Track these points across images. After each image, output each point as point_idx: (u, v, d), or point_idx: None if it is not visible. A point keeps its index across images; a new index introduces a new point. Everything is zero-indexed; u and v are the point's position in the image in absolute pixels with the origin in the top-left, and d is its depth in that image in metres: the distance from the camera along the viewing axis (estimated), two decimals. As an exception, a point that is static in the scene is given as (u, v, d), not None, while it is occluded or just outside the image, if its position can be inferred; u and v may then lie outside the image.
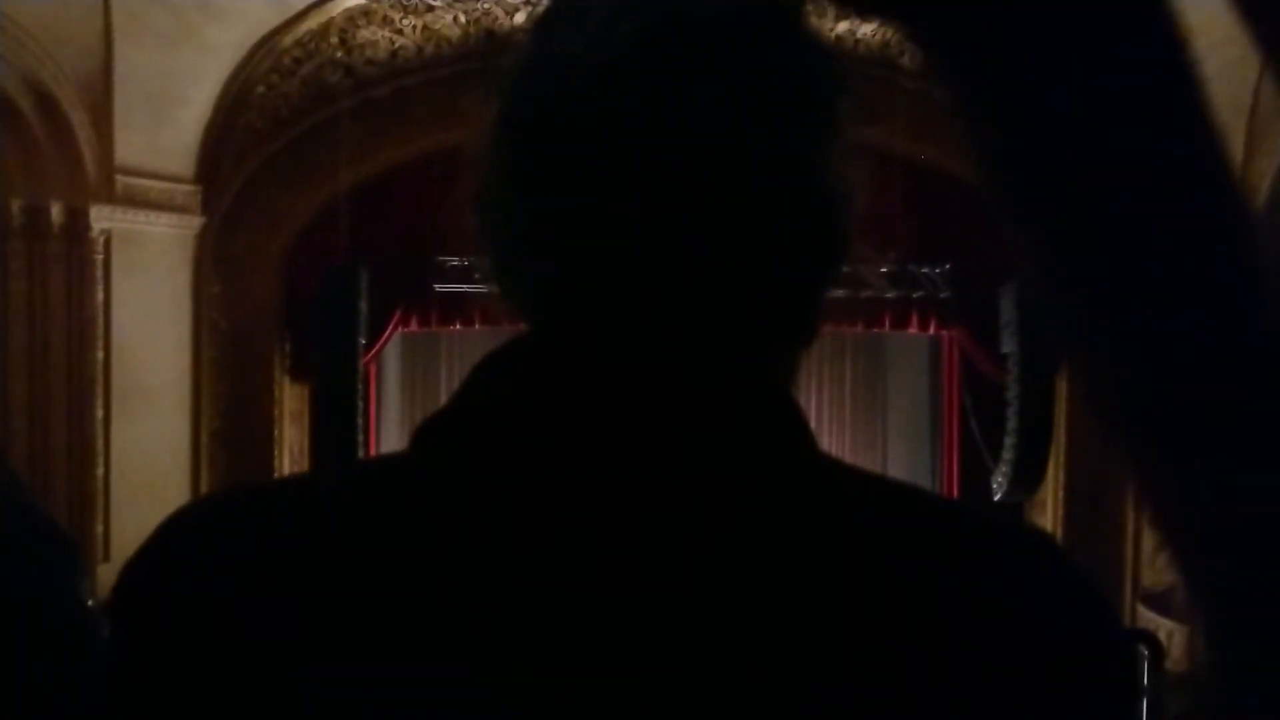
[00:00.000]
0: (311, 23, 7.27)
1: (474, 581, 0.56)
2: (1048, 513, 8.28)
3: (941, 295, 8.22)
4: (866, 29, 7.57)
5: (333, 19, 7.33)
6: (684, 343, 0.60)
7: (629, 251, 0.59)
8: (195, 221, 7.44)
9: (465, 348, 8.55)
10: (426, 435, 0.62)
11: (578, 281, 0.61)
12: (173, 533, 0.63)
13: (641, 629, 0.55)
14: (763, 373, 0.62)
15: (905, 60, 7.73)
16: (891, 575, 0.57)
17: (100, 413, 6.92)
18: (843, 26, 7.50)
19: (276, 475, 7.82)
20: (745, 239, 0.60)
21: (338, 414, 7.54)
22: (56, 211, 6.79)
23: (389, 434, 8.71)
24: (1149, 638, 4.37)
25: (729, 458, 0.58)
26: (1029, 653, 0.57)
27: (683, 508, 0.57)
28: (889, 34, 7.60)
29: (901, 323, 8.43)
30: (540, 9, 0.65)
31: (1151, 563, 7.53)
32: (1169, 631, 5.79)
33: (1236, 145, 7.07)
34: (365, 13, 7.38)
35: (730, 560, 0.56)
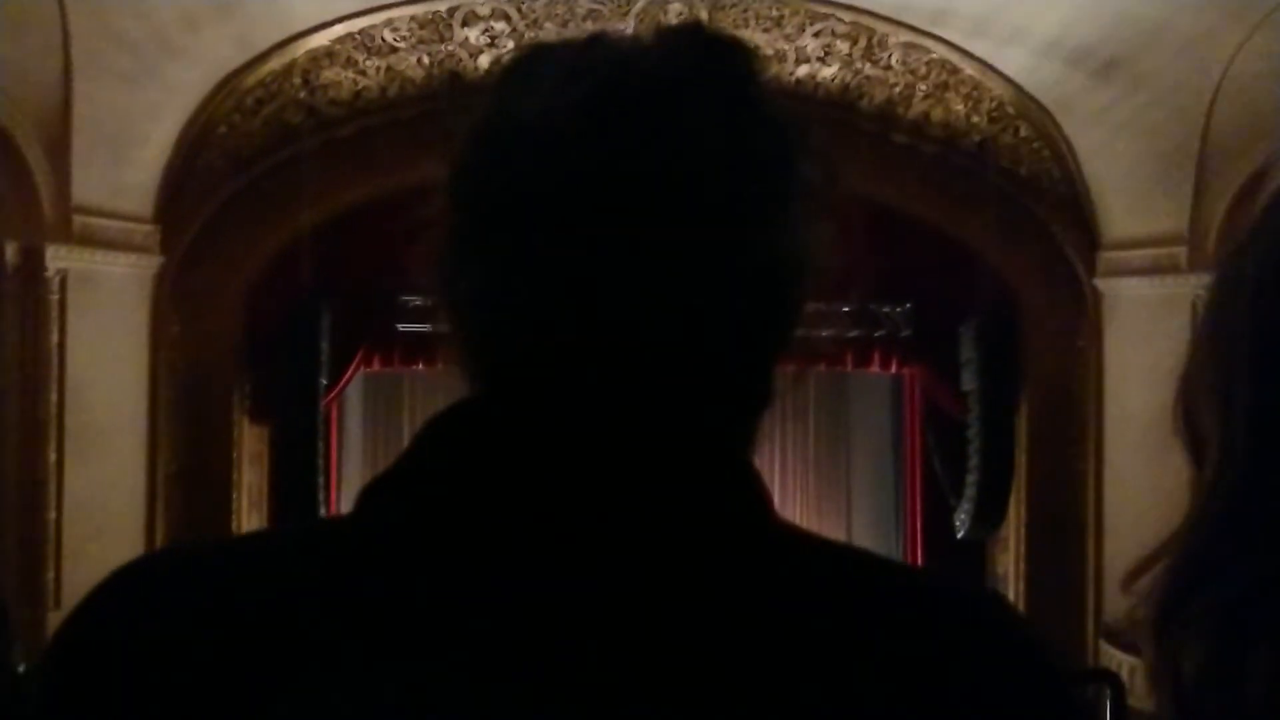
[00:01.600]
0: (274, 63, 7.27)
1: (410, 645, 0.55)
2: (1010, 550, 8.32)
3: (903, 334, 8.30)
4: (827, 72, 7.70)
5: (296, 60, 7.33)
6: (631, 409, 0.59)
7: (576, 317, 0.59)
8: (154, 261, 7.35)
9: (428, 387, 8.49)
10: (370, 497, 0.61)
11: (525, 346, 0.60)
12: (107, 596, 0.61)
13: (580, 698, 0.54)
14: (714, 439, 0.61)
15: (864, 104, 7.87)
16: (839, 644, 0.57)
17: (53, 455, 6.77)
18: (803, 70, 7.62)
19: (235, 518, 7.68)
20: (694, 304, 0.60)
21: (298, 455, 7.45)
22: (11, 251, 6.68)
23: (351, 475, 8.60)
24: (1110, 677, 4.38)
25: (676, 527, 0.57)
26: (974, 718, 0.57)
27: (626, 577, 0.56)
28: (848, 78, 7.73)
29: (863, 361, 8.49)
30: (497, 70, 0.65)
31: (1116, 596, 7.58)
32: (1131, 668, 5.82)
33: (1186, 190, 7.24)
34: (329, 54, 7.39)
35: (674, 629, 0.56)
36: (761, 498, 0.61)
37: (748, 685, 0.55)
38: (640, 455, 0.59)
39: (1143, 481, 6.77)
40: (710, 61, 0.62)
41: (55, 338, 6.80)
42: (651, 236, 0.59)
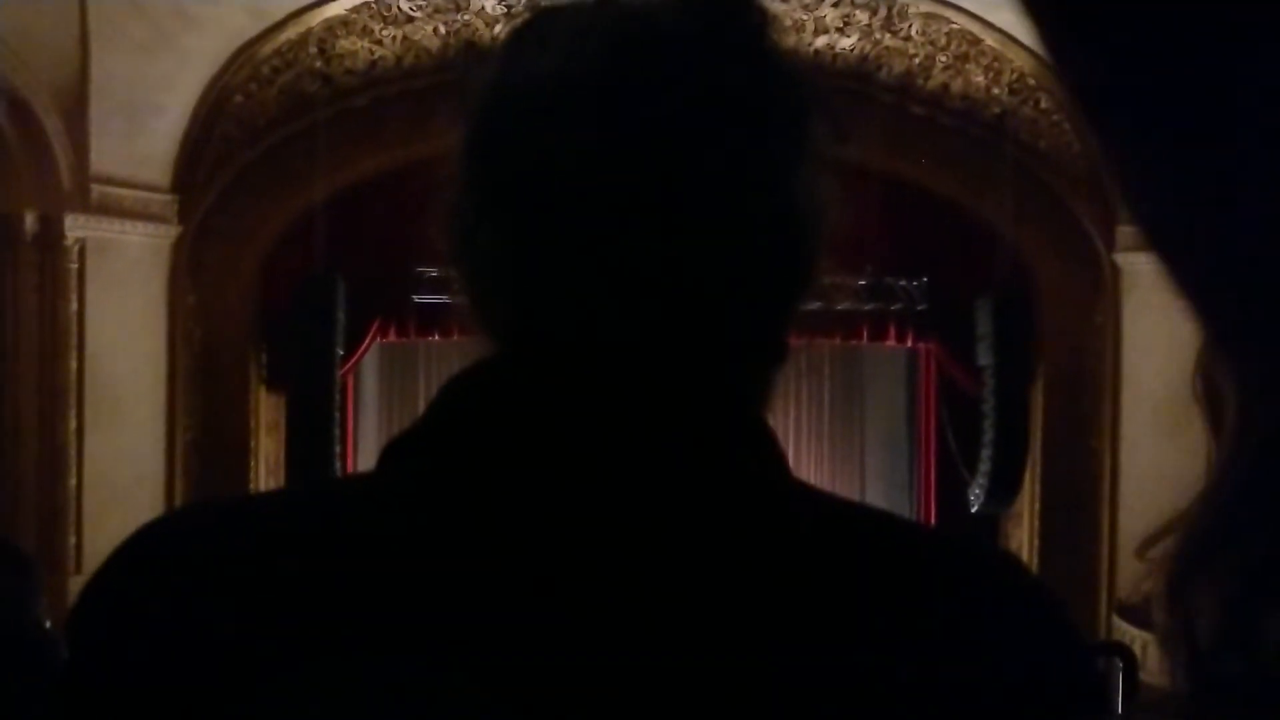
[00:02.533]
0: (290, 32, 7.25)
1: (435, 600, 0.56)
2: (1024, 524, 8.32)
3: (918, 308, 8.27)
4: (846, 43, 7.63)
5: (312, 29, 7.31)
6: (649, 365, 0.60)
7: (593, 273, 0.59)
8: (171, 231, 7.38)
9: (444, 358, 8.51)
10: (392, 454, 0.62)
11: (543, 303, 0.61)
12: (132, 552, 0.62)
13: (601, 654, 0.55)
14: (732, 394, 0.62)
15: (882, 74, 7.80)
16: (855, 604, 0.58)
17: (73, 423, 6.85)
18: (821, 41, 7.55)
19: (252, 486, 7.75)
20: (710, 260, 0.60)
21: (314, 425, 7.49)
22: (30, 220, 6.72)
23: (367, 445, 8.65)
24: (1123, 650, 4.39)
25: (696, 483, 0.58)
26: (991, 680, 0.57)
27: (648, 534, 0.57)
28: (867, 48, 7.66)
29: (878, 335, 8.47)
30: (507, 30, 0.65)
31: (1130, 571, 7.58)
32: (1144, 643, 5.83)
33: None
34: (344, 23, 7.36)
35: (694, 585, 0.56)
36: (778, 455, 0.62)
37: (765, 641, 0.56)
38: (658, 412, 0.59)
39: (1158, 458, 6.75)
40: (721, 17, 0.62)
41: (74, 306, 6.85)
42: (668, 192, 0.59)
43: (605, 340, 0.60)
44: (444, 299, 7.47)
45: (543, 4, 0.65)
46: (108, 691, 0.59)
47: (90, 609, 0.62)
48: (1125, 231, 7.81)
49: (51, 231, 6.77)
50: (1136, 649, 4.85)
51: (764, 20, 0.63)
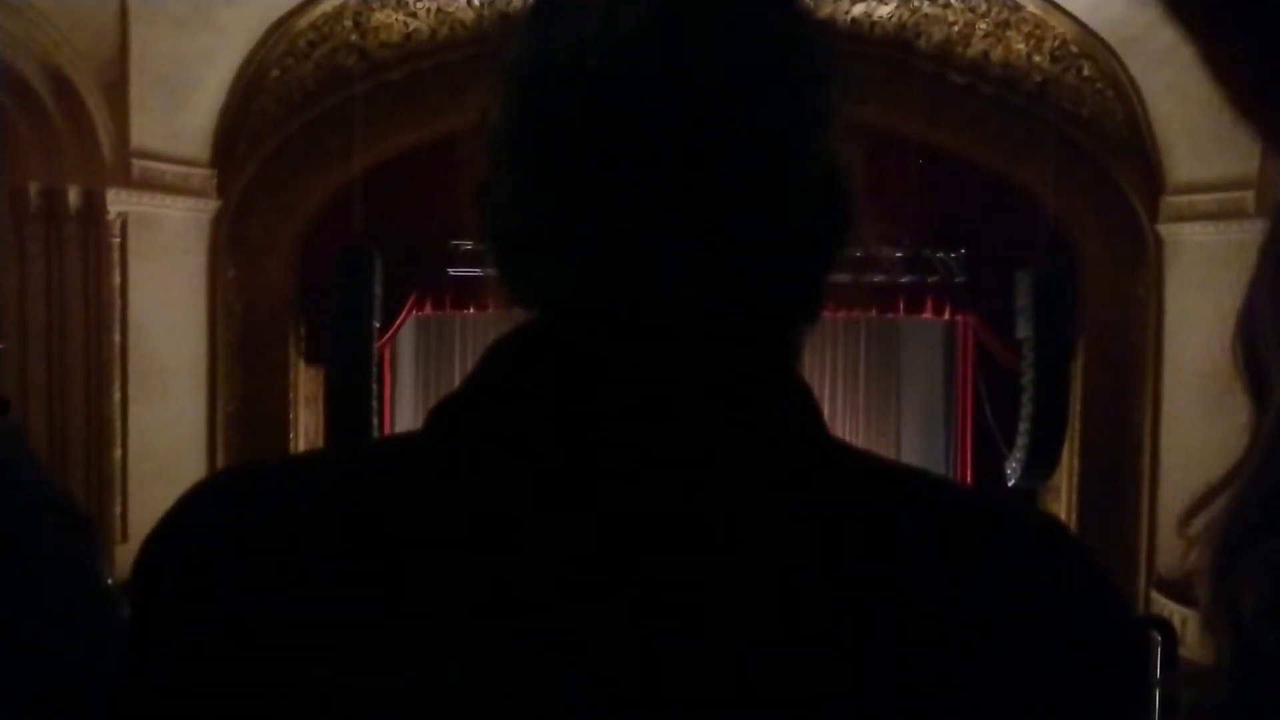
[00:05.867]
0: (326, 6, 7.27)
1: (485, 560, 0.57)
2: (1062, 498, 8.26)
3: (956, 280, 8.19)
4: (883, 10, 7.52)
5: (347, 2, 7.32)
6: (691, 324, 0.60)
7: (635, 234, 0.60)
8: (211, 205, 7.46)
9: (480, 331, 8.56)
10: (440, 416, 0.62)
11: (586, 266, 0.61)
12: (190, 509, 0.64)
13: (648, 610, 0.56)
14: (772, 352, 0.63)
15: (921, 43, 7.68)
16: (897, 561, 0.58)
17: (118, 395, 6.97)
18: (858, 9, 7.44)
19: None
20: (752, 218, 0.61)
21: (352, 397, 7.58)
22: (73, 195, 6.82)
23: (404, 417, 8.74)
24: (1163, 624, 4.35)
25: (737, 440, 0.59)
26: (1036, 643, 0.57)
27: (691, 490, 0.58)
28: (905, 16, 7.54)
29: (916, 308, 8.40)
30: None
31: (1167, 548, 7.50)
32: (1183, 618, 5.78)
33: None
34: (379, -5, 7.37)
35: (737, 542, 0.57)
36: (817, 411, 0.62)
37: (807, 599, 0.56)
38: (702, 370, 0.60)
39: (1201, 434, 6.65)
40: None
41: (117, 280, 6.95)
42: (710, 153, 0.60)
43: (648, 301, 0.60)
44: (479, 272, 7.49)
45: None
46: (174, 648, 0.61)
47: (152, 567, 0.64)
48: (1169, 202, 7.67)
49: (94, 206, 6.86)
50: (1175, 624, 4.81)
51: None
